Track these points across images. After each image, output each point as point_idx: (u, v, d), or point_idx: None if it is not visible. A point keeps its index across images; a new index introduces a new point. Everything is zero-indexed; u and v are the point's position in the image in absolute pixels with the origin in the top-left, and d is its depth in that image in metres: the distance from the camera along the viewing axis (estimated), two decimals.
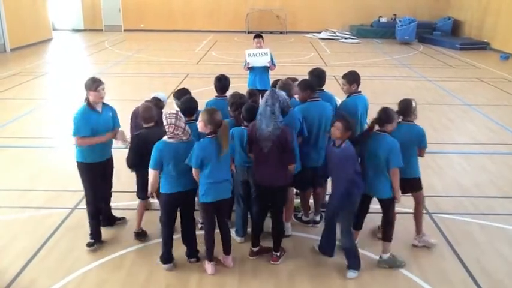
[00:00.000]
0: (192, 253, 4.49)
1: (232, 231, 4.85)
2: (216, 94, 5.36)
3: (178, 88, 5.53)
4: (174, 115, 4.06)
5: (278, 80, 5.35)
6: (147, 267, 4.37)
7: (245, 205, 4.76)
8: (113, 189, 5.64)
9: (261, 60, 7.80)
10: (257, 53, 7.84)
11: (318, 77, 5.14)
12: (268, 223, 5.01)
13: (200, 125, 4.06)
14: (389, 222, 4.44)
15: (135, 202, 5.51)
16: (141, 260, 4.48)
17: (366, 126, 5.03)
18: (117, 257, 4.53)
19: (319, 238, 4.65)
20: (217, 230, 4.35)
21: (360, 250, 4.64)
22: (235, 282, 4.19)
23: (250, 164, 4.51)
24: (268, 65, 7.81)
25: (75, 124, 4.48)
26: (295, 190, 5.76)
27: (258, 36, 8.16)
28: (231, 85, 5.49)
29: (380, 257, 4.47)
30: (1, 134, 8.02)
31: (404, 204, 5.63)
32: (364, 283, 4.20)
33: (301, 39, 21.71)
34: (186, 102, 4.76)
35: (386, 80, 13.00)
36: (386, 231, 4.45)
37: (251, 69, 7.90)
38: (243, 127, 4.53)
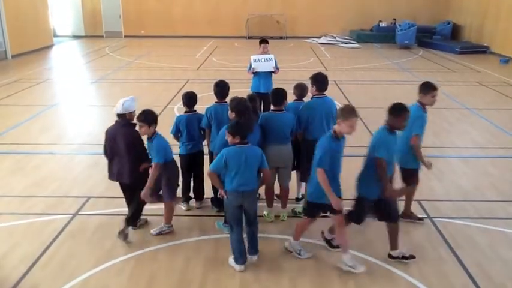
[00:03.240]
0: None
1: (231, 259, 4.50)
2: (216, 100, 5.36)
3: (187, 91, 5.52)
4: None
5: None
6: (148, 272, 4.37)
7: (240, 229, 4.38)
8: (115, 195, 5.67)
9: (266, 65, 8.04)
10: (262, 58, 8.07)
11: (322, 82, 5.19)
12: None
13: None
14: None
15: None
16: (142, 265, 4.48)
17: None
18: (118, 262, 4.53)
19: (322, 243, 4.65)
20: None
21: (359, 253, 4.66)
22: (237, 285, 4.19)
23: (246, 188, 4.21)
24: (273, 70, 8.07)
25: None
26: (296, 196, 5.81)
27: (264, 41, 8.34)
28: (232, 90, 5.51)
29: None
30: (2, 140, 8.04)
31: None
32: (364, 286, 4.20)
33: (301, 44, 21.79)
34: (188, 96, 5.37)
35: (387, 84, 13.02)
36: None
37: (255, 73, 8.10)
38: (236, 146, 4.19)
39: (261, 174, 4.38)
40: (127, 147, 4.67)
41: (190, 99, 5.40)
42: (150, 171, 4.64)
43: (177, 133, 5.38)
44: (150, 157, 4.73)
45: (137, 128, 4.65)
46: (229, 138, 4.22)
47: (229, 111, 4.75)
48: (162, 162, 4.61)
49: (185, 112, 5.40)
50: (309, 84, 5.35)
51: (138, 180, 4.71)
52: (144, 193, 4.61)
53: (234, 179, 4.18)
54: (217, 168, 4.21)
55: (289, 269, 4.45)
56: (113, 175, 4.88)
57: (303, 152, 5.26)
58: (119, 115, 4.78)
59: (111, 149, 4.78)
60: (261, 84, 8.06)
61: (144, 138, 4.82)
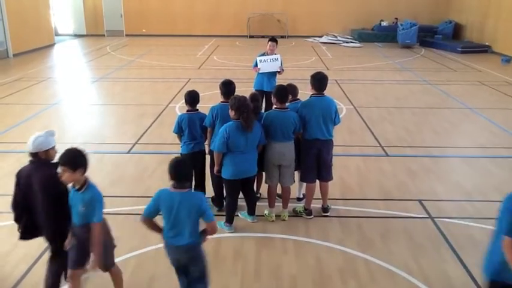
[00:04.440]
0: None
1: None
2: (222, 99, 5.33)
3: (189, 90, 5.52)
4: None
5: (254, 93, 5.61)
6: (149, 271, 4.38)
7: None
8: (116, 195, 5.67)
9: (271, 65, 8.14)
10: (268, 59, 8.17)
11: (319, 81, 5.18)
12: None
13: None
14: None
15: (138, 207, 5.55)
16: (143, 265, 4.48)
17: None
18: (119, 261, 4.51)
19: (322, 243, 4.64)
20: None
21: (359, 252, 4.65)
22: (237, 285, 4.19)
23: (181, 242, 3.39)
24: (278, 69, 8.17)
25: None
26: (297, 195, 5.80)
27: (273, 40, 8.35)
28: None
29: None
30: (4, 139, 8.05)
31: (408, 208, 5.67)
32: (364, 286, 4.20)
33: (302, 43, 21.77)
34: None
35: (388, 83, 13.00)
36: None
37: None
38: (171, 189, 3.41)
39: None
40: (44, 194, 3.55)
41: (192, 98, 5.39)
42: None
43: (179, 132, 5.38)
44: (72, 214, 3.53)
45: (59, 172, 3.45)
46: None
47: (230, 110, 4.78)
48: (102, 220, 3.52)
49: (187, 111, 5.40)
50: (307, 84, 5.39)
51: (59, 236, 3.68)
52: (94, 263, 3.51)
53: (167, 228, 3.42)
54: (148, 213, 3.44)
55: (290, 268, 4.45)
56: (26, 233, 3.83)
57: (302, 152, 5.26)
58: (31, 154, 3.69)
59: (24, 196, 3.69)
60: (264, 83, 8.18)
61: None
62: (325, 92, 5.26)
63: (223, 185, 5.15)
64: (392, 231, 5.12)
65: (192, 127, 5.31)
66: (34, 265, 4.45)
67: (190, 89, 5.51)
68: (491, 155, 7.56)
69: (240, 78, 11.08)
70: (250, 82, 8.59)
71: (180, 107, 9.76)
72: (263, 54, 8.25)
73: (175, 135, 5.48)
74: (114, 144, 7.83)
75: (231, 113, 4.77)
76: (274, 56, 8.11)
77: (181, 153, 5.46)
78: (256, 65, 8.16)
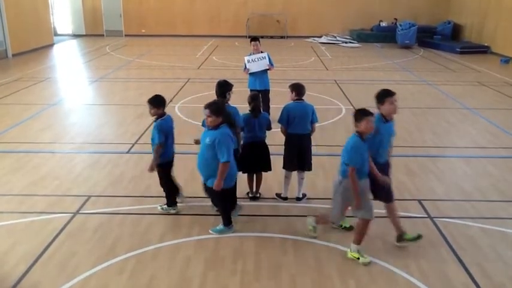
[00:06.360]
0: None
1: None
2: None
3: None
4: None
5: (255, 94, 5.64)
6: (148, 271, 4.37)
7: None
8: (115, 194, 5.66)
9: (260, 64, 8.24)
10: (255, 58, 8.32)
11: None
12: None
13: None
14: None
15: (137, 207, 5.55)
16: (142, 264, 4.48)
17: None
18: (119, 261, 4.53)
19: (322, 242, 4.64)
20: None
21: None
22: (237, 284, 4.19)
23: None
24: (267, 67, 8.28)
25: None
26: (296, 195, 5.80)
27: (255, 39, 8.48)
28: (233, 89, 5.51)
29: None
30: (2, 139, 8.04)
31: (407, 208, 5.67)
32: (364, 286, 4.20)
33: (301, 43, 21.78)
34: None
35: (387, 84, 13.00)
36: None
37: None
38: None
39: None
40: None
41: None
42: None
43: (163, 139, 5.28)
44: None
45: None
46: None
47: (210, 116, 4.61)
48: None
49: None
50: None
51: None
52: None
53: None
54: None
55: (290, 267, 4.45)
56: None
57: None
58: None
59: None
60: (257, 82, 8.28)
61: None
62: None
63: (222, 194, 4.82)
64: (391, 231, 5.12)
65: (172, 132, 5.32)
66: (33, 266, 4.44)
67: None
68: (491, 155, 7.57)
69: (239, 78, 11.07)
70: None
71: (179, 107, 9.74)
72: (250, 55, 8.35)
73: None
74: (114, 144, 7.83)
75: (210, 119, 4.60)
76: (260, 55, 8.24)
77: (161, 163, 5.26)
78: (246, 67, 8.28)
